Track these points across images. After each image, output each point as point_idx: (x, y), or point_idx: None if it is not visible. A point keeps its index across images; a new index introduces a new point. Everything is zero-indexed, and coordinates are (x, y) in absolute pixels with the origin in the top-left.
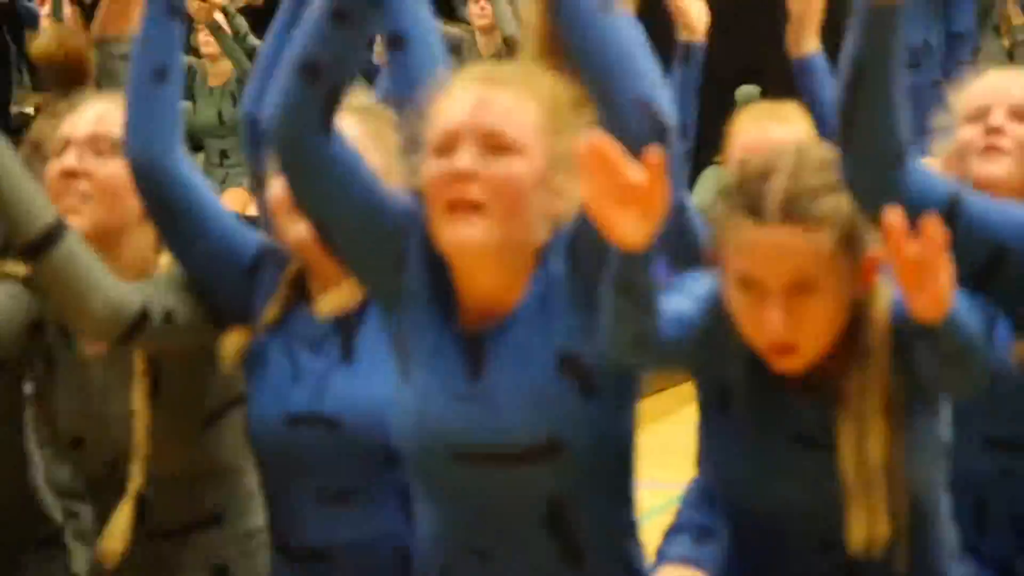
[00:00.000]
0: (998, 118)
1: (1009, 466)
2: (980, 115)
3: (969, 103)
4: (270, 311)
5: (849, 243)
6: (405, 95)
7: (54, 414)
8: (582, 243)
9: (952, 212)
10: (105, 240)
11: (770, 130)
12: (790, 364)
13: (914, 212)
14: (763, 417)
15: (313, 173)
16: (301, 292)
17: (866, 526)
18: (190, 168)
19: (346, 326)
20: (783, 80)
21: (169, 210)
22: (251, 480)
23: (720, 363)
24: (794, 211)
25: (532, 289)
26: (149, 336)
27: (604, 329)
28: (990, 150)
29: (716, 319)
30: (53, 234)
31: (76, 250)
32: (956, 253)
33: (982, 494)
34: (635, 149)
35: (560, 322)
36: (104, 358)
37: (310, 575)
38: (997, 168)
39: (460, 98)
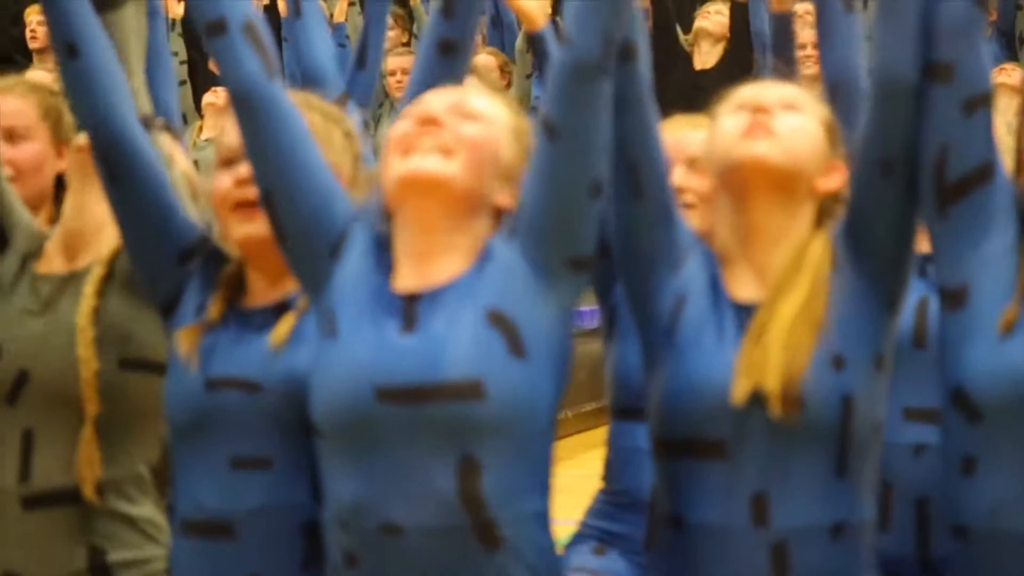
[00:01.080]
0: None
1: (923, 439)
2: None
3: None
4: (212, 309)
5: (831, 134)
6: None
7: None
8: (522, 211)
9: (981, 100)
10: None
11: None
12: (762, 148)
13: (969, 79)
14: (718, 319)
15: (273, 120)
16: (238, 287)
17: (751, 376)
18: (143, 138)
19: (282, 311)
20: None
21: (117, 171)
22: (142, 466)
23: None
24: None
25: (472, 268)
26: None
27: None
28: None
29: (696, 241)
30: None
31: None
32: (960, 142)
33: (889, 476)
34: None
35: (493, 286)
36: (57, 280)
37: (212, 551)
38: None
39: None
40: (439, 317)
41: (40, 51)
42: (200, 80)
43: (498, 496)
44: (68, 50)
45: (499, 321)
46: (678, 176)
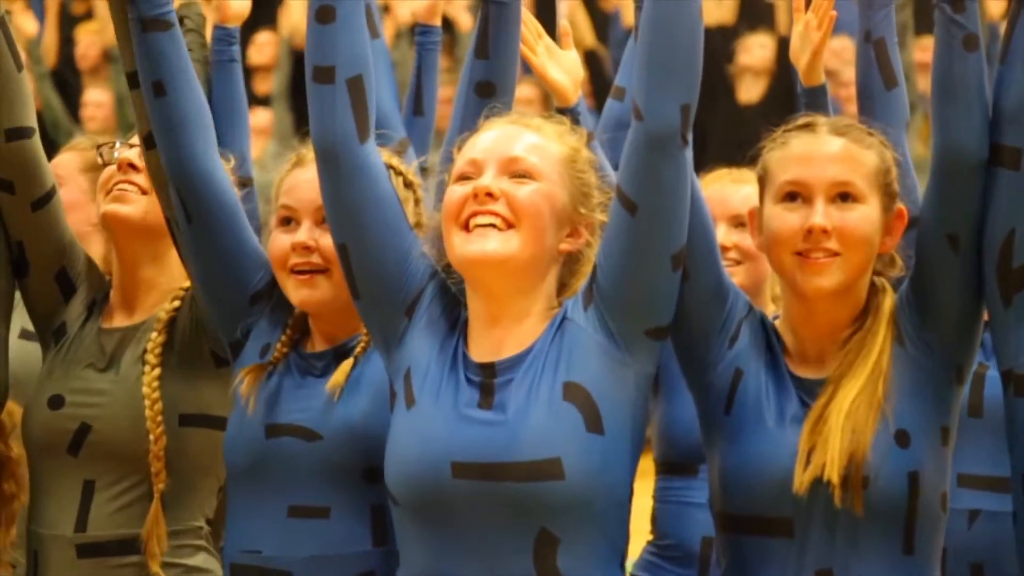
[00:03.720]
0: (720, 233)
1: (978, 506)
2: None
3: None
4: (277, 351)
5: (886, 188)
6: None
7: (40, 380)
8: (599, 283)
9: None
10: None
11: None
12: (826, 282)
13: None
14: (779, 395)
15: (355, 182)
16: (303, 330)
17: (813, 467)
18: (223, 180)
19: (342, 355)
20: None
21: (194, 210)
22: (200, 519)
23: (738, 336)
24: (842, 127)
25: (547, 333)
26: None
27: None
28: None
29: (750, 308)
30: None
31: None
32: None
33: (945, 539)
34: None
35: (571, 358)
36: (121, 334)
37: None
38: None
39: (486, 134)
40: (517, 391)
41: (92, 71)
42: None
43: (575, 570)
44: (155, 88)
45: (577, 395)
46: (721, 234)
